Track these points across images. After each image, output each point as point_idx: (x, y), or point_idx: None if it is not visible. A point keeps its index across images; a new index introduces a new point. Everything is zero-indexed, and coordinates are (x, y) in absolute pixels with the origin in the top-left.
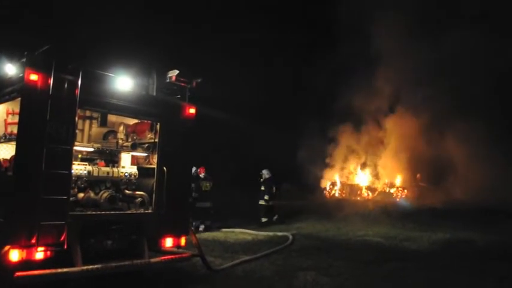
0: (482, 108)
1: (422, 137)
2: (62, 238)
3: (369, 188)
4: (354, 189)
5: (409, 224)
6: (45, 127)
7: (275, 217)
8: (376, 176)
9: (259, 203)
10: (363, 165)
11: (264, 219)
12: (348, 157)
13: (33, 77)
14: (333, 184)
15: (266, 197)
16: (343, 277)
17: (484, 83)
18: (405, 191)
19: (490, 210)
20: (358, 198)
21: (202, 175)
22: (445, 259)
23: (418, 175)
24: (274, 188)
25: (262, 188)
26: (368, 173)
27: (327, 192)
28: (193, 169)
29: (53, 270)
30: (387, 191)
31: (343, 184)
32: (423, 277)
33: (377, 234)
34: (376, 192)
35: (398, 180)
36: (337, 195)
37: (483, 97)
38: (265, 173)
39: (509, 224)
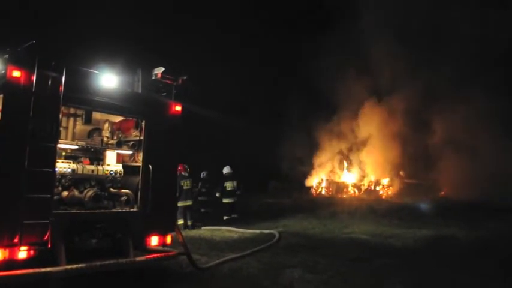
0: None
1: (408, 132)
2: (46, 237)
3: (355, 186)
4: (340, 187)
5: (395, 221)
6: (28, 124)
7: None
8: (362, 173)
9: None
10: (349, 163)
11: (225, 217)
12: (334, 155)
13: (16, 73)
14: (320, 182)
15: (217, 194)
16: (328, 274)
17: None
18: (391, 188)
19: (475, 207)
20: (345, 196)
21: (183, 173)
22: (429, 256)
23: (401, 172)
24: (224, 186)
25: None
26: (354, 170)
27: (314, 190)
28: (203, 173)
29: (36, 270)
30: (373, 188)
31: (329, 182)
32: (407, 274)
33: (363, 232)
34: (362, 190)
35: (384, 178)
36: (323, 192)
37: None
38: (225, 170)
39: (493, 220)
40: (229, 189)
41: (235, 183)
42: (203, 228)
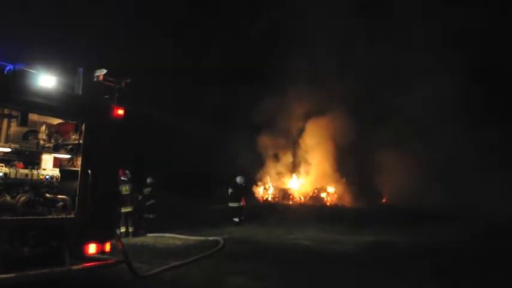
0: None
1: (352, 139)
2: None
3: (301, 193)
4: (286, 193)
5: (337, 228)
6: None
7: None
8: (308, 180)
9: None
10: (295, 169)
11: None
12: (280, 162)
13: None
14: (266, 188)
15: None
16: (271, 280)
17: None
18: (335, 195)
19: (414, 213)
20: (291, 203)
21: (122, 178)
22: (368, 260)
23: (344, 179)
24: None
25: None
26: (301, 177)
27: (260, 196)
28: (149, 179)
29: None
30: (318, 195)
31: (276, 188)
32: (347, 277)
33: (307, 238)
34: (308, 197)
35: (328, 185)
36: (270, 199)
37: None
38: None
39: (429, 225)
40: (229, 194)
41: (230, 190)
42: (148, 235)
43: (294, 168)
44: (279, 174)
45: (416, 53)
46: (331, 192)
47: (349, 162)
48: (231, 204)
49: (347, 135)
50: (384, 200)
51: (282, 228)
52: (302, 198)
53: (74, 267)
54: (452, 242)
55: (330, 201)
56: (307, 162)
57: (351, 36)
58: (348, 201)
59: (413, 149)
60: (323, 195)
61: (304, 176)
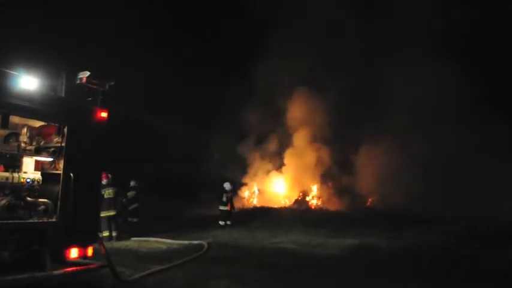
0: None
1: (336, 141)
2: None
3: (285, 196)
4: (271, 197)
5: (322, 231)
6: None
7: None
8: (293, 183)
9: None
10: (280, 172)
11: (221, 222)
12: (265, 165)
13: None
14: (252, 192)
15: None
16: (255, 285)
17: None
18: (320, 198)
19: (400, 216)
20: (276, 206)
21: (104, 181)
22: (353, 263)
23: (329, 183)
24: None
25: None
26: (286, 180)
27: (246, 200)
28: (133, 182)
29: None
30: (303, 198)
31: (261, 192)
32: (332, 281)
33: (291, 241)
34: (293, 200)
35: (314, 189)
36: (255, 202)
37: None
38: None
39: (414, 229)
40: (223, 200)
41: (224, 196)
42: (132, 239)
43: (279, 171)
44: (265, 177)
45: (409, 40)
46: (315, 195)
47: (332, 164)
48: (221, 208)
49: (331, 136)
50: (368, 203)
51: (267, 232)
52: (287, 201)
53: (55, 272)
54: (436, 245)
55: (314, 204)
56: (292, 165)
57: (343, 23)
58: (332, 204)
59: (401, 149)
60: (308, 198)
61: (290, 179)
